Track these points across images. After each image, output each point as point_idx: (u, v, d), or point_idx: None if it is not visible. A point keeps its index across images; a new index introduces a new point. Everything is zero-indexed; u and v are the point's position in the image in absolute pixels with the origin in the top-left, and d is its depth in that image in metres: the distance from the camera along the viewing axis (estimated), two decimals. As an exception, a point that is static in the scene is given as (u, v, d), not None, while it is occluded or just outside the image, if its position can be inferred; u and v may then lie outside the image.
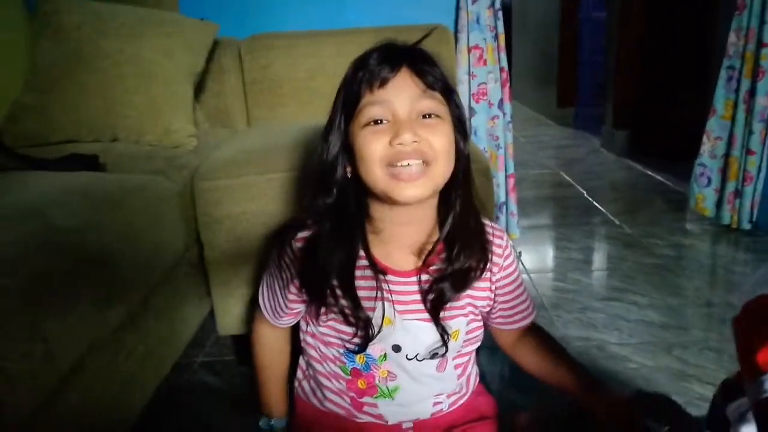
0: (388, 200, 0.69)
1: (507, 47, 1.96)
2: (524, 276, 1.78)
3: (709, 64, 2.57)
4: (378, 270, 0.73)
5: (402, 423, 0.81)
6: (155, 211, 1.13)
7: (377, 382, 0.78)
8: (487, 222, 0.79)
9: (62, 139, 1.39)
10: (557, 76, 4.48)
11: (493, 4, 1.86)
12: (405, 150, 0.65)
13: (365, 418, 0.80)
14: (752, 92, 1.94)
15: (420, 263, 0.74)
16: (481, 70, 1.90)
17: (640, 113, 3.25)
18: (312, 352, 0.83)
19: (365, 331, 0.72)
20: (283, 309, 0.81)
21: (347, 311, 0.72)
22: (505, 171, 1.99)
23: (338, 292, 0.72)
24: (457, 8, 1.90)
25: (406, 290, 0.74)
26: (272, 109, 1.80)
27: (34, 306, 0.74)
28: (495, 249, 0.78)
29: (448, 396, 0.82)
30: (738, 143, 2.00)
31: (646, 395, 1.16)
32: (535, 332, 0.88)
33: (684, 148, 2.64)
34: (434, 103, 0.68)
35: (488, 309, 0.82)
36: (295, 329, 0.88)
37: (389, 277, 0.74)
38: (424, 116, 0.67)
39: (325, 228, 0.72)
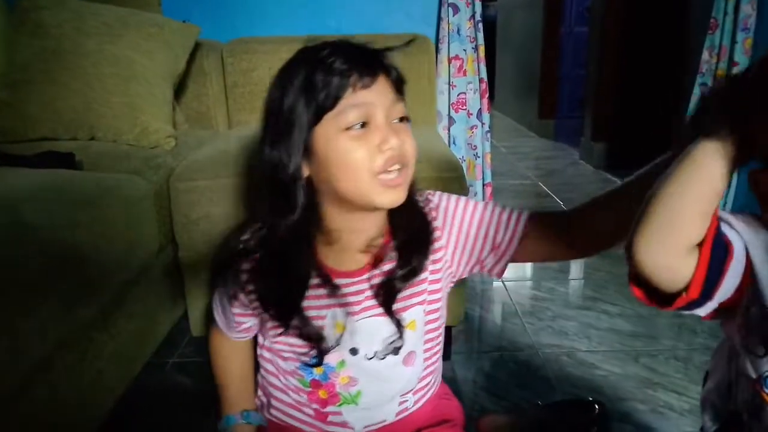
0: (362, 207, 0.67)
1: (491, 59, 2.00)
2: (499, 284, 1.80)
3: (683, 80, 2.63)
4: (328, 279, 0.72)
5: (368, 428, 0.80)
6: (130, 210, 1.13)
7: (338, 389, 0.77)
8: (420, 197, 0.76)
9: (39, 137, 1.38)
10: (539, 89, 4.54)
11: (473, 16, 1.90)
12: (394, 155, 0.65)
13: (331, 428, 0.79)
14: (724, 109, 2.00)
15: (369, 260, 0.74)
16: (460, 81, 1.93)
17: (618, 127, 3.31)
18: (269, 366, 0.82)
19: (319, 345, 0.72)
20: (233, 324, 0.81)
21: (298, 328, 0.72)
22: (483, 180, 2.01)
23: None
24: (439, 19, 1.93)
25: (357, 290, 0.74)
26: (254, 113, 1.80)
27: (1, 301, 0.74)
28: (431, 213, 0.76)
29: (414, 393, 0.82)
30: (710, 158, 2.05)
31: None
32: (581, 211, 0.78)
33: (659, 162, 2.70)
34: (404, 107, 0.68)
35: (455, 274, 0.78)
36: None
37: (338, 281, 0.73)
38: (394, 121, 0.67)
39: (273, 249, 0.70)
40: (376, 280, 0.74)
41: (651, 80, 3.16)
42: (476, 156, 2.00)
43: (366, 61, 0.65)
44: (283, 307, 0.71)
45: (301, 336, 0.72)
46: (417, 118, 1.63)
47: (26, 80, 1.39)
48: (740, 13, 1.94)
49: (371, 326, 0.74)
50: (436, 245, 0.76)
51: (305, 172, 0.68)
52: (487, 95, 2.00)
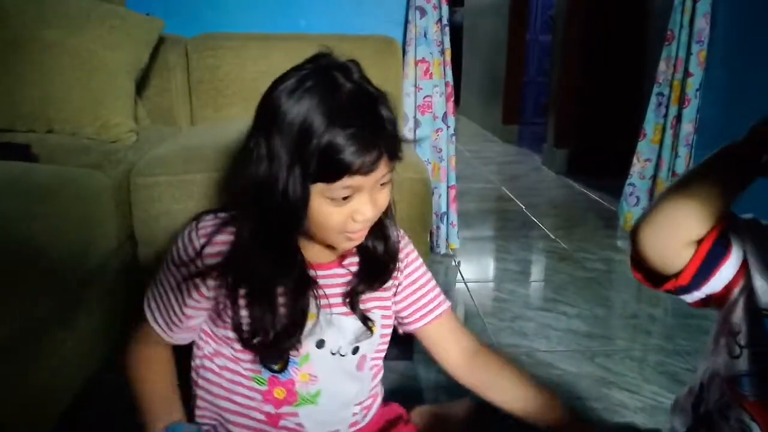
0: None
1: (456, 64, 2.02)
2: (461, 285, 1.82)
3: (642, 88, 2.72)
4: (305, 269, 0.73)
5: None
6: (88, 205, 1.10)
7: (297, 387, 0.75)
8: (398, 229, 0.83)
9: (-7, 128, 1.33)
10: (503, 94, 4.62)
11: (440, 20, 1.92)
12: (365, 224, 0.70)
13: None
14: (679, 118, 2.07)
15: (337, 255, 0.78)
16: (426, 83, 1.95)
17: (580, 133, 3.40)
18: (212, 377, 0.78)
19: (296, 331, 0.71)
20: (180, 320, 0.76)
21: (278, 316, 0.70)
22: (447, 182, 2.03)
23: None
24: (406, 21, 1.95)
25: (327, 283, 0.76)
26: (218, 110, 1.78)
27: (-50, 295, 0.72)
28: (400, 242, 0.83)
29: (362, 408, 0.82)
30: (665, 166, 2.13)
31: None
32: (493, 355, 0.89)
33: (617, 169, 2.78)
34: (392, 172, 0.70)
35: (395, 306, 0.85)
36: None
37: (312, 272, 0.75)
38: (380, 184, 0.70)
39: (255, 240, 0.70)
40: (343, 279, 0.78)
41: (612, 88, 3.25)
42: (441, 159, 2.02)
43: (378, 152, 0.65)
44: (265, 296, 0.71)
45: (282, 326, 0.71)
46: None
47: (-19, 70, 1.35)
48: (695, 26, 2.01)
49: (339, 322, 0.77)
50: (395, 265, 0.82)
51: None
52: (452, 99, 2.02)
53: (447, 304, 0.88)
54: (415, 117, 1.96)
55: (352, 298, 0.77)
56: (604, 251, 2.13)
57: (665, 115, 2.13)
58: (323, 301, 0.74)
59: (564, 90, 3.40)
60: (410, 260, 0.86)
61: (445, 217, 2.04)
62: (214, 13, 1.90)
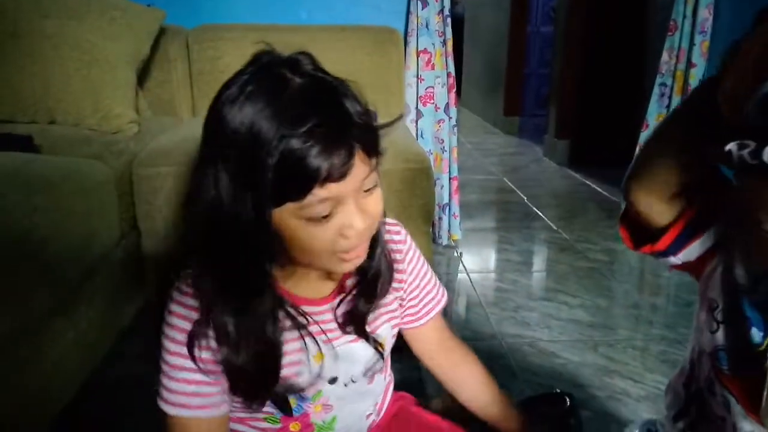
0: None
1: (458, 56, 2.02)
2: (464, 276, 1.82)
3: (644, 79, 2.71)
4: (295, 308, 0.63)
5: None
6: (90, 196, 1.11)
7: (312, 419, 0.70)
8: (386, 220, 0.71)
9: (-6, 119, 1.33)
10: (504, 86, 4.60)
11: (442, 11, 1.91)
12: (359, 238, 0.58)
13: None
14: (681, 108, 2.06)
15: (333, 287, 0.68)
16: (428, 74, 1.94)
17: (581, 124, 3.39)
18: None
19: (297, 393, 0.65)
20: (202, 396, 0.63)
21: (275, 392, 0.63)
22: (449, 173, 2.03)
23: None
24: (408, 12, 1.94)
25: (324, 318, 0.67)
26: (219, 101, 1.78)
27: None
28: (397, 246, 0.73)
29: (377, 407, 0.78)
30: (667, 156, 2.12)
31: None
32: (474, 357, 0.83)
33: (620, 160, 2.77)
34: (376, 174, 0.59)
35: (402, 307, 0.77)
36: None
37: (306, 308, 0.65)
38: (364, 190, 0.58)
39: (218, 294, 0.59)
40: (342, 308, 0.68)
41: (613, 79, 3.24)
42: (443, 150, 2.01)
43: (348, 149, 0.53)
44: (260, 366, 0.60)
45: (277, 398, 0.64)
46: (385, 110, 1.63)
47: (-19, 61, 1.34)
48: (698, 16, 2.00)
49: (350, 351, 0.68)
50: (400, 267, 0.73)
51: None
52: (454, 90, 2.02)
53: (444, 299, 0.81)
54: (417, 108, 1.96)
55: (356, 324, 0.67)
56: (606, 241, 2.13)
57: (668, 106, 2.12)
58: (322, 338, 0.65)
59: (565, 81, 3.39)
60: (412, 256, 0.76)
61: (448, 208, 2.04)
62: (215, 4, 1.89)
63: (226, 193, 0.54)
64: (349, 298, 0.68)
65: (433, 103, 1.97)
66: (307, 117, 0.52)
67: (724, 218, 0.55)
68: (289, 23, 1.88)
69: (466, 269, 1.88)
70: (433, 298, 0.79)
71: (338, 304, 0.67)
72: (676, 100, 2.09)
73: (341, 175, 0.53)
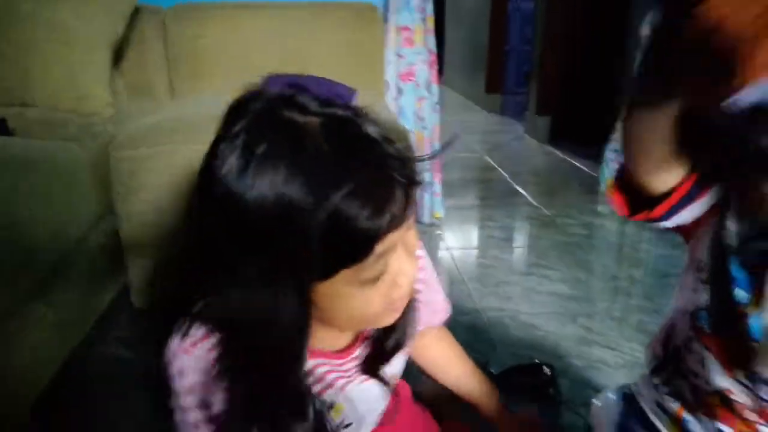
0: None
1: (440, 33, 2.00)
2: (446, 253, 1.84)
3: (625, 56, 2.72)
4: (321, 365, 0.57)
5: None
6: (66, 178, 1.10)
7: None
8: None
9: (-34, 103, 1.31)
10: (486, 63, 4.59)
11: (421, -14, 1.89)
12: (407, 289, 0.52)
13: None
14: (659, 83, 2.08)
15: (356, 334, 0.61)
16: (409, 51, 1.93)
17: (562, 101, 3.40)
18: None
19: None
20: None
21: None
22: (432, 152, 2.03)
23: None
24: (387, -12, 1.92)
25: (347, 368, 0.61)
26: (199, 82, 1.76)
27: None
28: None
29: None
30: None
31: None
32: (446, 335, 0.81)
33: (600, 136, 2.80)
34: (414, 229, 0.53)
35: None
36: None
37: (329, 361, 0.59)
38: None
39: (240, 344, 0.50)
40: (365, 352, 0.62)
41: (594, 56, 3.25)
42: (424, 128, 2.01)
43: (398, 190, 0.45)
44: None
45: None
46: (365, 87, 1.63)
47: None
48: (676, -11, 2.01)
49: (362, 392, 0.62)
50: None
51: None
52: (435, 67, 2.01)
53: (446, 315, 0.75)
54: (397, 85, 1.95)
55: (373, 370, 0.61)
56: (586, 216, 2.16)
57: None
58: (340, 382, 0.60)
59: (546, 58, 3.39)
60: (426, 270, 0.70)
61: (430, 186, 2.05)
62: (190, -17, 1.86)
63: (256, 294, 0.45)
64: (373, 340, 0.61)
65: (414, 80, 1.97)
66: (347, 169, 0.43)
67: (724, 175, 0.55)
68: (269, 1, 1.86)
69: (448, 246, 1.90)
70: (435, 312, 0.73)
71: (363, 350, 0.61)
72: (654, 75, 2.10)
73: (399, 222, 0.46)
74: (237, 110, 0.47)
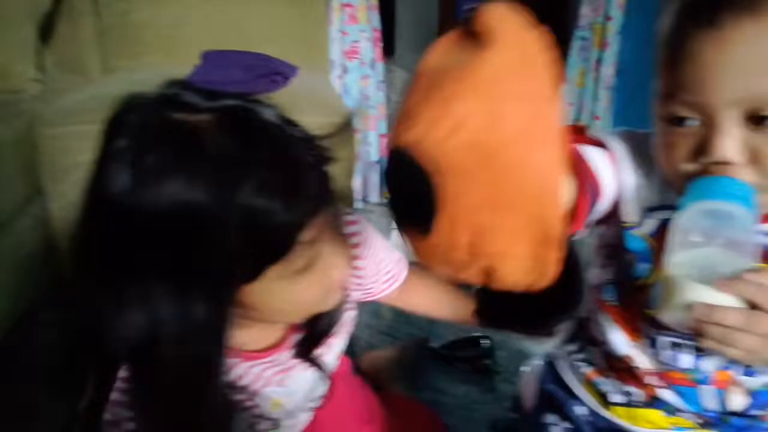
0: None
1: (391, 11, 1.98)
2: (395, 231, 1.85)
3: (568, 30, 2.76)
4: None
5: None
6: (-12, 158, 1.05)
7: None
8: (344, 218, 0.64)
9: None
10: (437, 40, 4.59)
11: (364, -38, 1.87)
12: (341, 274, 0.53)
13: None
14: (599, 61, 2.13)
15: (287, 329, 0.59)
16: (352, 28, 1.91)
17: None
18: None
19: None
20: None
21: None
22: (377, 130, 2.03)
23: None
24: (329, -36, 1.89)
25: (281, 360, 0.59)
26: (133, 58, 1.69)
27: None
28: (356, 239, 0.66)
29: None
30: (587, 109, 2.19)
31: None
32: (418, 277, 0.78)
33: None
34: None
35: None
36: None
37: (260, 361, 0.57)
38: None
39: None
40: (297, 339, 0.60)
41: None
42: (369, 107, 2.00)
43: (311, 177, 0.45)
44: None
45: None
46: (309, 65, 1.61)
47: None
48: (615, -31, 2.05)
49: (302, 381, 0.61)
50: (359, 263, 0.66)
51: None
52: (380, 45, 2.00)
53: (403, 275, 0.75)
54: (342, 63, 1.93)
55: (306, 355, 0.60)
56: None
57: (587, 59, 2.18)
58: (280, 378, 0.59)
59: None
60: (370, 244, 0.68)
61: (376, 164, 2.05)
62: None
63: (166, 311, 0.41)
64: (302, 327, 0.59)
65: (359, 58, 1.95)
66: (249, 162, 0.41)
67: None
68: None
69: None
70: (391, 278, 0.72)
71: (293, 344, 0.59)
72: (594, 54, 2.15)
73: (320, 205, 0.45)
74: (116, 125, 0.44)
